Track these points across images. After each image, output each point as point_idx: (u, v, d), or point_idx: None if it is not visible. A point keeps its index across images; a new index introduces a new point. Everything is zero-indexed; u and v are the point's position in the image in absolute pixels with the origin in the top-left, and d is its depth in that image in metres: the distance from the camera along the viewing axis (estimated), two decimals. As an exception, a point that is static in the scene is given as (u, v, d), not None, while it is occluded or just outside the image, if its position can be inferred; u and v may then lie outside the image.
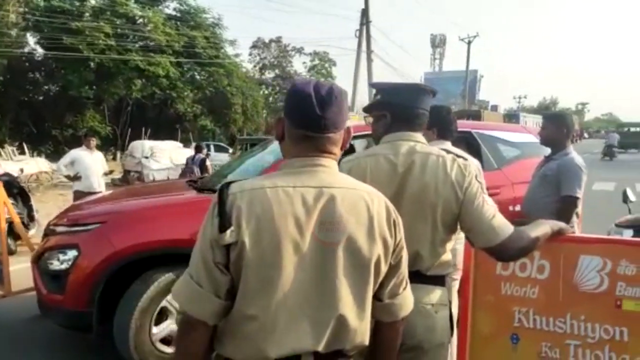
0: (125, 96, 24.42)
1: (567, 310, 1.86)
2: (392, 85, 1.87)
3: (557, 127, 3.20)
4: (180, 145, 16.98)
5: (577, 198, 3.01)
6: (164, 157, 14.71)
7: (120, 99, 25.00)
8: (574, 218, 3.07)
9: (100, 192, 7.44)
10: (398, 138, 1.77)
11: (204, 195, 3.67)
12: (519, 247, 1.66)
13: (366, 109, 1.94)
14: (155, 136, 20.41)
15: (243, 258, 1.13)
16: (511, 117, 30.43)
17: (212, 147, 21.80)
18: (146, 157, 14.47)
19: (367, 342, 1.25)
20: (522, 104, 61.27)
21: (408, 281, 1.37)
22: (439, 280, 1.75)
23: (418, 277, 1.71)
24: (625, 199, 3.92)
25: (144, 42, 24.86)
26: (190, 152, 16.52)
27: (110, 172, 8.25)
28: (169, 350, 3.27)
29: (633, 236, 3.27)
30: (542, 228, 1.77)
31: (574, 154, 3.16)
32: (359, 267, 1.20)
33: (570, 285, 1.86)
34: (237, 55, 31.02)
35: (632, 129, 32.49)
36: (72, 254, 3.21)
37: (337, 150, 1.27)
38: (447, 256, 1.76)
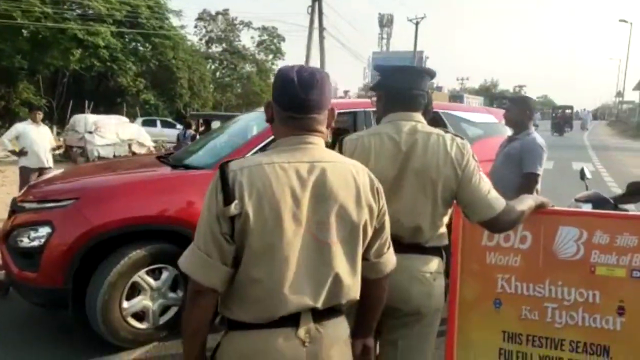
0: (62, 67, 23.03)
1: (546, 277, 2.04)
2: (387, 68, 1.95)
3: (521, 109, 3.39)
4: (127, 120, 16.23)
5: (538, 175, 3.23)
6: (109, 132, 14.01)
7: (56, 70, 23.56)
8: (534, 194, 3.30)
9: (49, 167, 7.12)
10: (399, 118, 1.85)
11: (178, 171, 3.63)
12: (509, 220, 1.81)
13: (370, 90, 2.01)
14: (94, 110, 19.43)
15: (247, 227, 1.25)
16: (455, 97, 31.45)
17: (158, 123, 21.13)
18: (90, 132, 13.76)
19: (358, 296, 1.40)
20: (465, 85, 63.12)
21: (391, 243, 1.50)
22: (437, 251, 1.87)
23: (418, 248, 1.82)
24: (582, 176, 4.24)
25: (82, 10, 23.43)
26: (136, 126, 16.00)
27: (58, 147, 7.89)
28: (141, 326, 3.27)
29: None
30: (527, 202, 1.93)
31: (536, 134, 3.37)
32: (349, 231, 1.34)
33: (549, 253, 2.03)
34: (182, 27, 29.99)
35: (560, 112, 36.32)
36: (44, 230, 3.12)
37: (324, 129, 1.39)
38: (443, 229, 1.88)
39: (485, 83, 78.58)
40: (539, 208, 1.99)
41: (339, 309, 1.36)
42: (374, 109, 2.02)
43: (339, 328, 1.37)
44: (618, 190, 9.80)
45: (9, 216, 3.56)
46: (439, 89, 37.48)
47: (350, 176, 1.35)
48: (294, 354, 1.28)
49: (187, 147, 5.06)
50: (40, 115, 7.24)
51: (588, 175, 4.24)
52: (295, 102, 1.33)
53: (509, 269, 2.09)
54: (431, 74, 1.94)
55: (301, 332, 1.28)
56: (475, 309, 2.13)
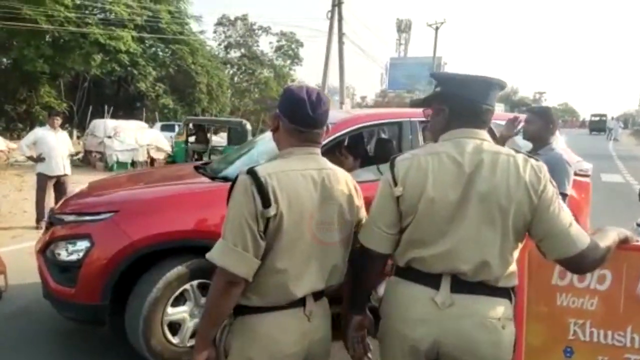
0: (83, 72, 23.16)
1: (627, 323, 1.77)
2: (458, 77, 1.66)
3: (545, 122, 3.15)
4: (145, 125, 16.14)
5: (567, 195, 2.95)
6: (128, 137, 13.89)
7: (76, 75, 23.71)
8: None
9: (66, 175, 6.99)
10: (462, 135, 1.59)
11: (218, 183, 3.41)
12: (596, 258, 1.54)
13: (426, 102, 1.74)
14: (114, 115, 19.37)
15: (282, 225, 1.47)
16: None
17: (177, 128, 21.04)
18: (109, 137, 13.67)
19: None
20: (484, 92, 62.07)
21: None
22: (506, 293, 1.60)
23: (485, 288, 1.56)
24: (641, 197, 3.93)
25: (104, 14, 23.57)
26: (155, 132, 15.87)
27: (77, 153, 7.76)
28: (172, 340, 3.04)
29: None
30: (610, 236, 1.65)
31: (559, 149, 3.10)
32: (345, 225, 1.63)
33: (632, 296, 1.76)
34: (202, 32, 30.04)
35: (598, 118, 44.42)
36: (83, 244, 2.97)
37: (321, 140, 1.63)
38: (514, 266, 1.61)
39: (506, 89, 77.58)
40: (622, 243, 1.71)
41: (323, 291, 1.64)
42: (423, 119, 1.77)
43: (326, 304, 1.69)
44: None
45: (47, 228, 3.43)
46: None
47: (343, 180, 1.63)
48: (303, 328, 1.57)
49: (224, 157, 4.84)
50: (58, 121, 7.10)
51: (645, 195, 3.92)
52: (304, 119, 1.55)
53: (583, 312, 1.81)
54: (503, 86, 1.66)
55: (307, 310, 1.57)
56: (542, 358, 1.86)
